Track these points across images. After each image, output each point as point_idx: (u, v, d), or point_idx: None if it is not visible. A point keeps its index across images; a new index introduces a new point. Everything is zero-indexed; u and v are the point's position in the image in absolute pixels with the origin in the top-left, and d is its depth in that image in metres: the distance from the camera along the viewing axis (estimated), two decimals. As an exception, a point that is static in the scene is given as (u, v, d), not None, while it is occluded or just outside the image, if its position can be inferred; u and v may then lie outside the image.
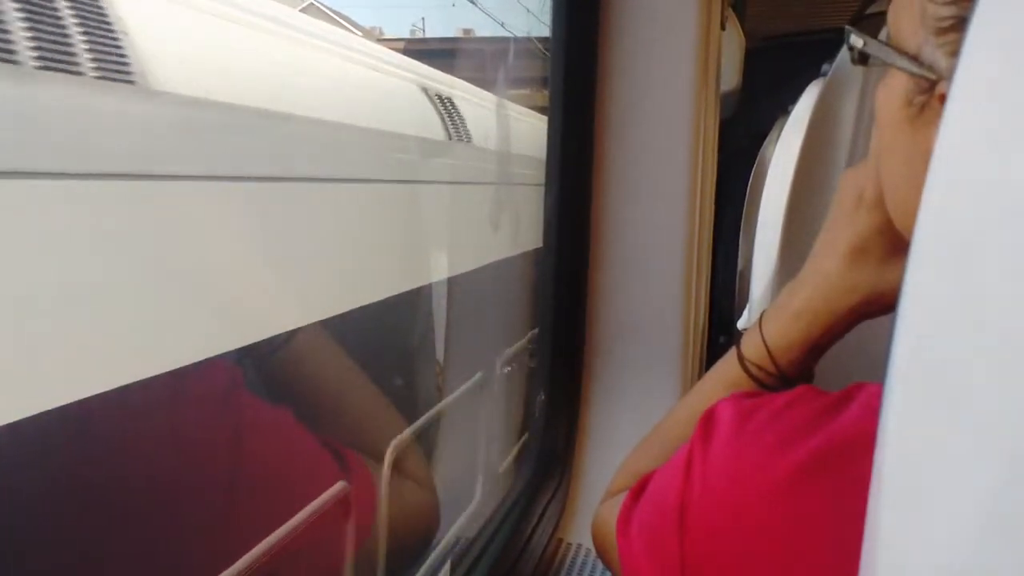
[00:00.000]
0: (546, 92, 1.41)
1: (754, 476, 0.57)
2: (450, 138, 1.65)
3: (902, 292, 0.26)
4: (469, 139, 1.75)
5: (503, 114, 1.98)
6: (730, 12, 2.17)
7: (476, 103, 1.99)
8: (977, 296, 0.23)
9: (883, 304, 0.68)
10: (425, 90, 1.64)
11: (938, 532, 0.23)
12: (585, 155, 1.36)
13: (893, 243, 0.66)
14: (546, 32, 1.38)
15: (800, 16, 3.53)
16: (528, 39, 1.91)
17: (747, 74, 2.98)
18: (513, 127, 1.92)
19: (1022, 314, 0.21)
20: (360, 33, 1.79)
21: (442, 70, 1.86)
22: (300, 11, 1.48)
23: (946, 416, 0.24)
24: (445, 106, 1.68)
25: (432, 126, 1.63)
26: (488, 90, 2.08)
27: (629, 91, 1.33)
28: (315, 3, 1.61)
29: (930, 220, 0.26)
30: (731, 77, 2.74)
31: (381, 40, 1.92)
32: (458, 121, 1.70)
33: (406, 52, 1.82)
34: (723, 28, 1.58)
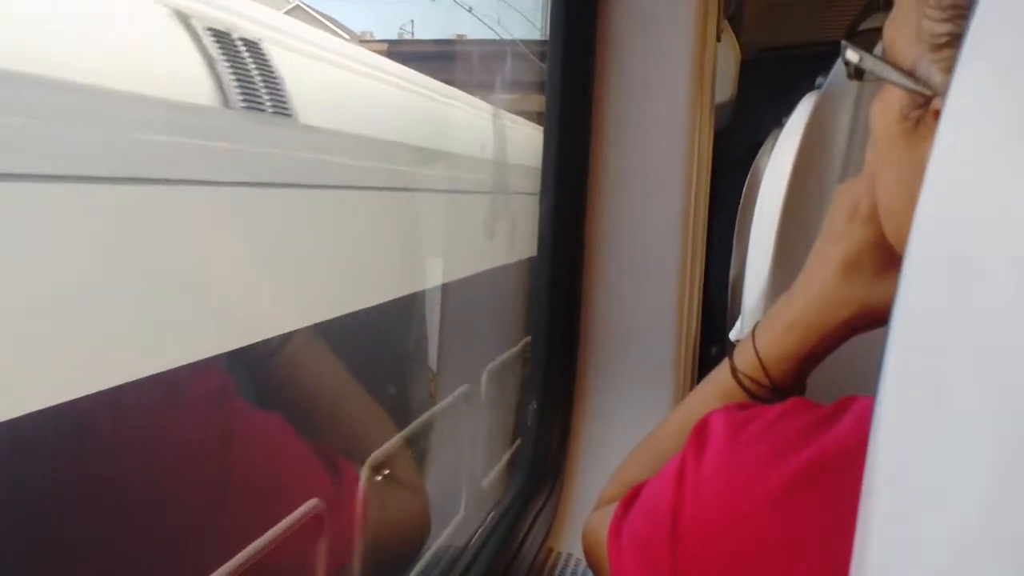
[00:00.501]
0: (535, 97, 1.39)
1: (746, 487, 0.57)
2: (227, 103, 0.95)
3: (894, 306, 0.26)
4: (285, 110, 1.03)
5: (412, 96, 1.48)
6: (726, 23, 2.18)
7: (325, 58, 1.26)
8: (969, 311, 0.23)
9: (876, 318, 0.68)
10: (186, 19, 0.94)
11: (928, 545, 0.23)
12: (580, 163, 1.36)
13: (887, 257, 0.66)
14: (536, 35, 1.35)
15: (795, 29, 3.54)
16: (513, 42, 1.82)
17: (742, 85, 3.00)
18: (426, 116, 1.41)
19: (1014, 329, 0.21)
20: (348, 37, 1.72)
21: (427, 73, 1.55)
22: (285, 13, 1.32)
23: (937, 430, 0.24)
24: (228, 52, 0.97)
25: (183, 80, 0.92)
26: (473, 94, 1.82)
27: (625, 100, 1.34)
28: (301, 5, 1.52)
29: (923, 234, 0.26)
30: (726, 88, 2.75)
31: (364, 43, 1.79)
32: (255, 77, 0.98)
33: (389, 55, 1.58)
34: (719, 39, 1.59)
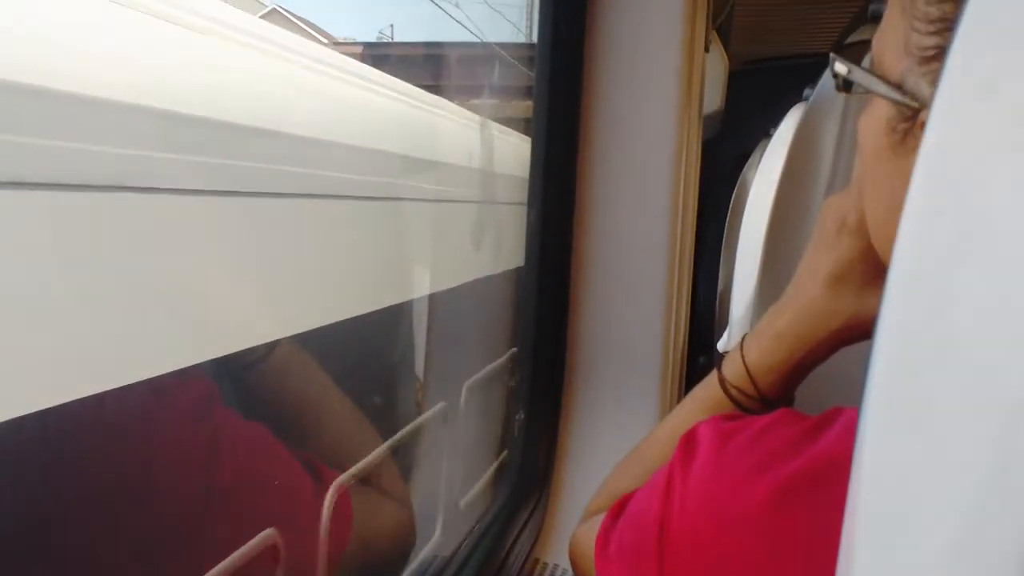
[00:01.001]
0: (515, 102, 1.38)
1: (733, 498, 0.57)
2: None
3: (879, 317, 0.26)
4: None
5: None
6: (714, 34, 2.19)
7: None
8: (953, 323, 0.23)
9: (864, 330, 0.68)
10: None
11: (912, 557, 0.23)
12: (568, 173, 1.36)
13: (875, 270, 0.67)
14: (520, 38, 1.34)
15: (783, 41, 3.56)
16: (488, 44, 1.78)
17: (730, 96, 3.01)
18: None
19: (996, 341, 0.21)
20: (326, 42, 1.67)
21: (402, 77, 1.42)
22: (261, 17, 1.30)
23: (921, 441, 0.24)
24: None
25: None
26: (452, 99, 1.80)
27: (613, 110, 1.34)
28: (278, 9, 1.46)
29: (907, 247, 0.26)
30: (714, 99, 2.77)
31: (338, 45, 1.72)
32: None
33: (362, 58, 1.49)
34: (707, 50, 1.60)
